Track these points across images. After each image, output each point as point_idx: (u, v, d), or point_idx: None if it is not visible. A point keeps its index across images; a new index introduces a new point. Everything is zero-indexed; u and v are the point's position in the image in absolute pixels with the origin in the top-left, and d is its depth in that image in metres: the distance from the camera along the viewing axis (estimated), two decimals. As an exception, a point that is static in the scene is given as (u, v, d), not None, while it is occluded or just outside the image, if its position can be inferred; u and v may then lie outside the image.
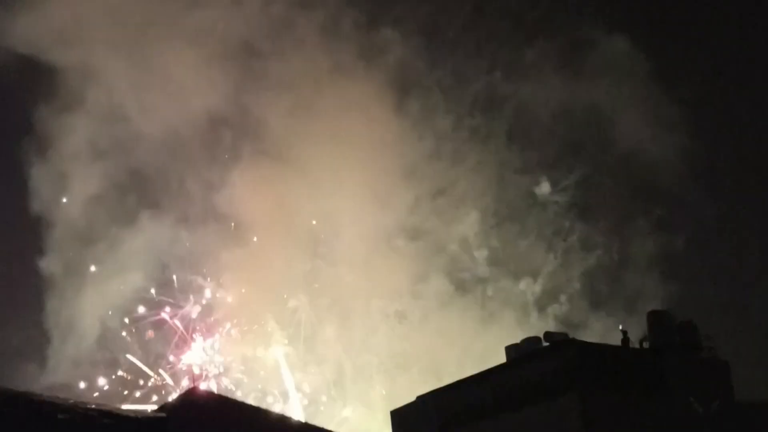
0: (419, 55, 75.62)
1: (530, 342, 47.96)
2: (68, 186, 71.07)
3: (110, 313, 72.21)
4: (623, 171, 75.17)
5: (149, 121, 71.42)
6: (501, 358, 48.15)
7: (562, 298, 74.19)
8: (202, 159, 74.72)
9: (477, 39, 75.96)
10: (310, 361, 74.69)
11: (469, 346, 70.17)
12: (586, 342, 45.93)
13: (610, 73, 73.64)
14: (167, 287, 74.21)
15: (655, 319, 48.48)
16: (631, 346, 47.15)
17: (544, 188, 75.90)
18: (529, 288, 74.98)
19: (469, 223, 75.67)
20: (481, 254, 76.09)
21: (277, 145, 73.17)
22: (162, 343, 74.25)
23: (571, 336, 47.65)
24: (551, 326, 67.82)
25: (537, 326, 68.20)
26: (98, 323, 71.15)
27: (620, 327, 48.12)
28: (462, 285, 75.54)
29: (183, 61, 70.78)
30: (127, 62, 71.51)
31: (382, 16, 75.04)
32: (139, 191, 73.51)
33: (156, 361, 74.06)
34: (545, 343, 46.95)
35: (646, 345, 47.44)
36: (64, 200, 71.01)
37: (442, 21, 76.48)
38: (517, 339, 48.76)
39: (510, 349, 48.62)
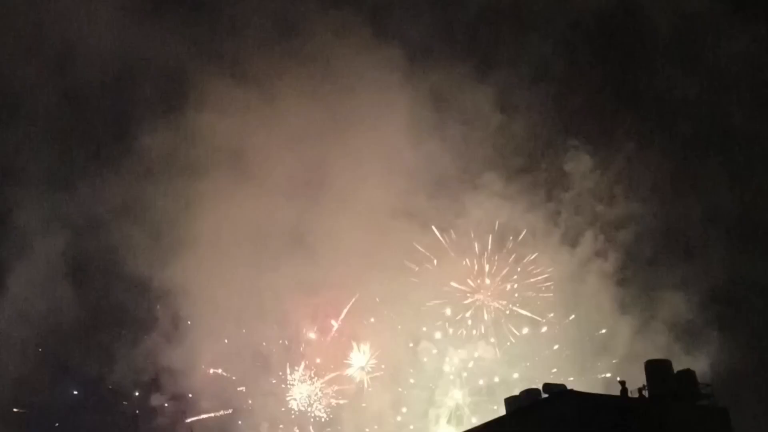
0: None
1: (529, 394, 48.15)
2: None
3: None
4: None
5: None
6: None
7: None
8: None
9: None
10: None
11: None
12: (584, 393, 45.92)
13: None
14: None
15: (653, 368, 48.71)
16: (629, 395, 47.29)
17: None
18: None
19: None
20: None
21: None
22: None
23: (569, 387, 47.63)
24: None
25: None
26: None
27: (618, 379, 48.00)
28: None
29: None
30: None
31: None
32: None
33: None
34: (544, 395, 47.14)
35: (645, 394, 47.58)
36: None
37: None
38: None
39: (509, 402, 48.80)
